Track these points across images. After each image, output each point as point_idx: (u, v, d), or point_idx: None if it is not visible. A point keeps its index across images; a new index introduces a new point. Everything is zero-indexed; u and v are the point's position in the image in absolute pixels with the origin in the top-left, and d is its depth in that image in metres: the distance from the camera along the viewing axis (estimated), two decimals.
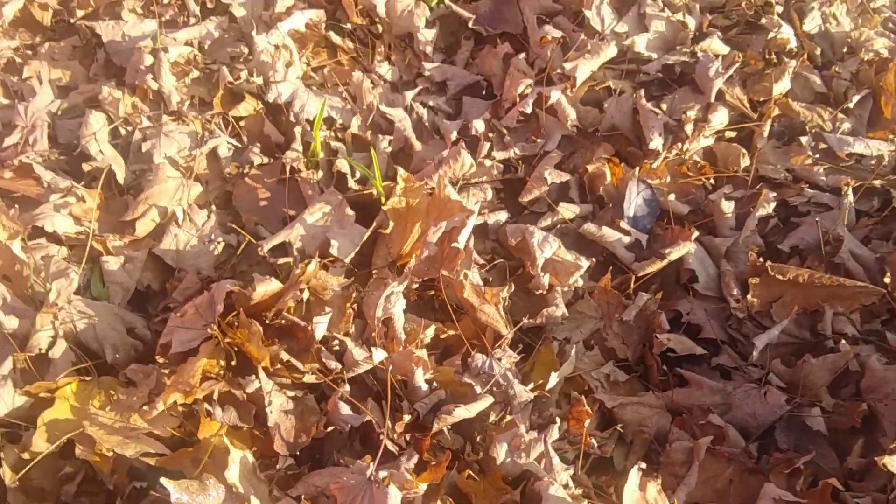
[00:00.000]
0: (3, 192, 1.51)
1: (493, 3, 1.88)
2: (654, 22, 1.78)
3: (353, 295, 1.40)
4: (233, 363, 1.25)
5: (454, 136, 1.68)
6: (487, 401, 1.25)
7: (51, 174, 1.50)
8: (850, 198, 1.53)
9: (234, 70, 1.71)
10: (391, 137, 1.69)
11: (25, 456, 1.13)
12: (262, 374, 1.20)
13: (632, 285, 1.50)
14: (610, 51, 1.70)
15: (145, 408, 1.17)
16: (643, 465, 1.19)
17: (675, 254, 1.49)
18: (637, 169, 1.62)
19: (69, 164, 1.59)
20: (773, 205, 1.56)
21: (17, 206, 1.40)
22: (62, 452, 1.17)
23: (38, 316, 1.25)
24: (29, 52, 1.78)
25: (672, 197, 1.61)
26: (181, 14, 1.81)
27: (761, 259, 1.43)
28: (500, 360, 1.32)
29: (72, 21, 1.83)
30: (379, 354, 1.26)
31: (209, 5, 1.83)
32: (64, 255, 1.42)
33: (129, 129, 1.61)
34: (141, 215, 1.47)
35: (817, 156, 1.64)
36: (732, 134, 1.70)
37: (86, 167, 1.52)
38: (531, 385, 1.32)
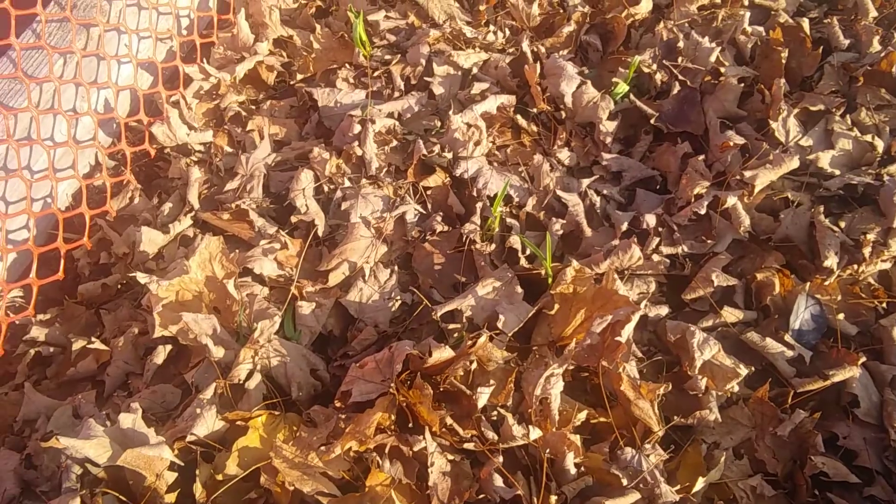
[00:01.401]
0: (219, 230, 1.74)
1: (676, 103, 1.94)
2: (841, 140, 1.78)
3: (514, 369, 1.48)
4: (408, 424, 1.36)
5: (625, 226, 1.74)
6: (634, 496, 1.29)
7: (262, 220, 1.70)
8: None
9: (428, 143, 1.87)
10: (563, 221, 1.77)
11: (219, 477, 1.29)
12: (428, 435, 1.30)
13: (789, 400, 1.50)
14: (792, 163, 1.72)
15: (323, 448, 1.30)
16: None
17: (838, 376, 1.48)
18: (807, 283, 1.62)
19: (277, 213, 1.79)
20: None
21: (236, 249, 1.60)
22: (248, 477, 1.32)
23: (241, 350, 1.43)
24: (253, 107, 2.02)
25: (841, 316, 1.60)
26: (387, 87, 2.00)
27: None
28: (648, 456, 1.36)
29: (292, 83, 2.06)
30: (535, 433, 1.34)
31: (412, 81, 2.01)
32: (265, 294, 1.60)
33: (332, 187, 1.79)
34: (334, 267, 1.63)
35: None
36: None
37: (293, 218, 1.71)
38: (677, 486, 1.35)
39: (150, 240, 1.67)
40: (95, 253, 1.75)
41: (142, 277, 1.49)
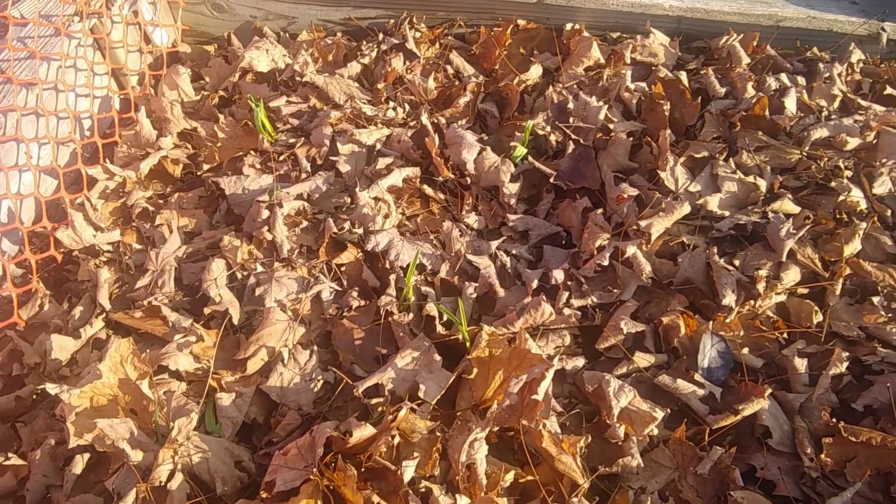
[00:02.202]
0: (132, 329, 1.72)
1: (572, 161, 2.03)
2: (727, 183, 1.90)
3: (439, 437, 1.50)
4: None
5: (535, 283, 1.80)
6: None
7: (175, 315, 1.69)
8: None
9: (339, 221, 1.90)
10: (476, 284, 1.82)
11: None
12: None
13: (706, 437, 1.55)
14: (684, 209, 1.81)
15: None
16: None
17: (748, 409, 1.54)
18: (711, 322, 1.69)
19: (191, 305, 1.78)
20: (846, 363, 1.60)
21: (148, 349, 1.59)
22: None
23: (161, 451, 1.40)
24: (161, 201, 2.03)
25: (745, 350, 1.68)
26: (294, 169, 2.03)
27: (834, 419, 1.48)
28: None
29: (199, 174, 2.08)
30: (463, 501, 1.35)
31: (318, 161, 2.06)
32: (183, 389, 1.58)
33: (245, 273, 1.80)
34: (252, 354, 1.63)
35: (890, 315, 1.68)
36: (805, 291, 1.76)
37: (207, 310, 1.71)
38: None
39: (62, 346, 1.64)
40: (7, 365, 1.70)
41: (51, 388, 1.46)
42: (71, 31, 2.01)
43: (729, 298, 1.70)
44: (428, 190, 2.03)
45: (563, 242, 1.96)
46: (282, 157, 2.07)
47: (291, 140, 2.11)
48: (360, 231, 1.87)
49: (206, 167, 2.08)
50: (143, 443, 1.44)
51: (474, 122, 2.22)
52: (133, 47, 2.24)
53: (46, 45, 1.95)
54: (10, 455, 1.52)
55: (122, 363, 1.52)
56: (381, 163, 2.02)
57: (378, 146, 2.10)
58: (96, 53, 2.15)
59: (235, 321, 1.71)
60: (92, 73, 2.11)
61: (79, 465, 1.47)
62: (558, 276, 1.79)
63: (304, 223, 1.92)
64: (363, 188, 1.95)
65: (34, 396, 1.68)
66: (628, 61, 2.30)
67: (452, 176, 2.05)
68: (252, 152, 2.09)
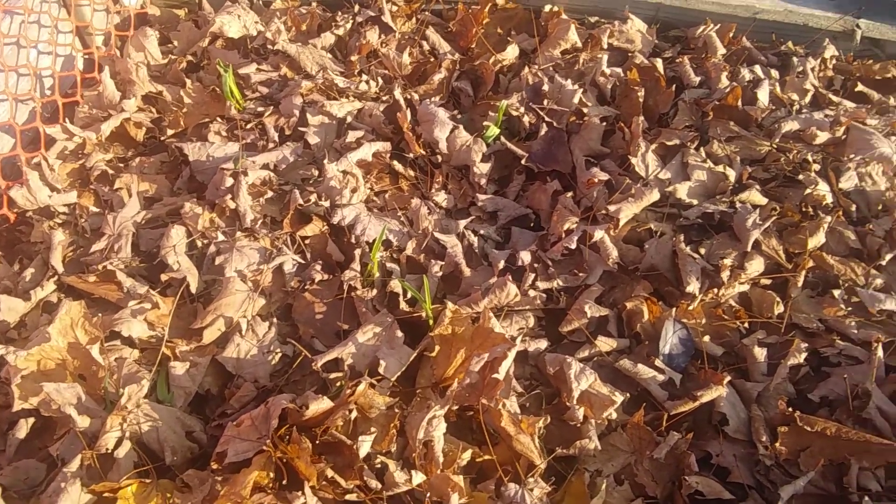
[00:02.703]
0: (85, 293, 1.67)
1: (545, 143, 2.01)
2: (696, 171, 1.90)
3: (397, 414, 1.48)
4: (285, 481, 1.33)
5: (502, 264, 1.78)
6: None
7: (131, 281, 1.65)
8: (880, 353, 1.58)
9: (305, 192, 1.86)
10: (443, 262, 1.80)
11: None
12: (307, 490, 1.28)
13: (664, 423, 1.55)
14: (653, 196, 1.81)
15: None
16: None
17: (706, 396, 1.55)
18: (674, 309, 1.69)
19: (147, 272, 1.74)
20: (804, 354, 1.61)
21: (100, 314, 1.54)
22: None
23: (109, 418, 1.36)
24: (121, 165, 1.97)
25: (707, 339, 1.68)
26: (261, 138, 1.99)
27: (790, 409, 1.48)
28: (532, 490, 1.38)
29: (162, 139, 2.03)
30: (418, 478, 1.34)
31: (287, 132, 2.01)
32: (136, 357, 1.54)
33: (206, 242, 1.76)
34: (209, 324, 1.59)
35: (850, 309, 1.70)
36: (767, 282, 1.77)
37: (164, 277, 1.67)
38: None
39: (10, 308, 1.59)
40: None
41: None
42: None
43: (693, 286, 1.70)
44: (398, 166, 2.00)
45: (532, 225, 1.95)
46: (249, 126, 2.02)
47: (260, 109, 2.07)
48: (327, 204, 1.84)
49: (169, 132, 2.03)
50: (91, 409, 1.40)
51: (448, 100, 2.19)
52: (100, 6, 2.17)
53: None
54: None
55: (72, 327, 1.47)
56: (352, 136, 1.99)
57: (349, 119, 2.06)
58: (61, 10, 2.08)
59: (193, 290, 1.67)
60: (56, 30, 2.04)
61: (22, 429, 1.42)
62: (525, 257, 1.78)
63: (270, 193, 1.88)
64: (332, 160, 1.91)
65: None
66: (605, 46, 2.29)
67: (423, 153, 2.02)
68: (218, 119, 2.04)
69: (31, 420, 1.44)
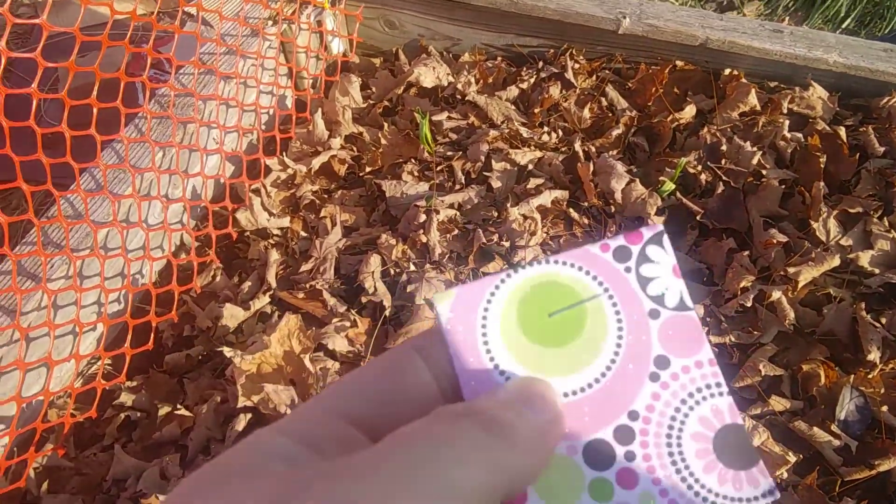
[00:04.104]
0: (294, 307, 1.87)
1: (721, 201, 2.06)
2: (880, 241, 1.89)
3: None
4: None
5: None
6: None
7: (334, 300, 1.84)
8: None
9: (487, 232, 2.01)
10: None
11: None
12: None
13: (836, 488, 1.55)
14: (834, 261, 1.82)
15: None
16: None
17: (884, 465, 1.54)
18: (851, 376, 1.69)
19: (346, 293, 1.93)
20: None
21: (311, 326, 1.74)
22: None
23: None
24: (325, 196, 2.19)
25: (885, 409, 1.66)
26: (449, 180, 2.16)
27: None
28: None
29: (361, 175, 2.24)
30: None
31: (472, 175, 2.18)
32: (336, 368, 1.72)
33: (398, 270, 1.93)
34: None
35: None
36: None
37: (363, 299, 1.85)
38: None
39: (233, 315, 1.81)
40: (179, 326, 1.89)
41: (227, 351, 1.62)
42: (266, 32, 2.21)
43: (874, 354, 1.69)
44: (573, 213, 2.10)
45: (704, 280, 1.99)
46: (439, 168, 2.20)
47: (449, 153, 2.24)
48: (508, 244, 1.97)
49: (367, 169, 2.24)
50: None
51: (624, 154, 2.28)
52: (313, 53, 2.44)
53: (244, 44, 2.17)
54: (178, 406, 1.69)
55: (289, 337, 1.67)
56: (532, 182, 2.12)
57: (530, 166, 2.20)
58: (281, 55, 2.35)
59: (387, 313, 1.84)
60: (276, 73, 2.31)
61: (241, 423, 1.62)
62: (698, 311, 1.83)
63: (455, 231, 2.04)
64: (513, 204, 2.05)
65: (200, 357, 1.86)
66: (785, 111, 2.31)
67: (599, 203, 2.12)
68: (412, 160, 2.23)
69: (248, 416, 1.63)
